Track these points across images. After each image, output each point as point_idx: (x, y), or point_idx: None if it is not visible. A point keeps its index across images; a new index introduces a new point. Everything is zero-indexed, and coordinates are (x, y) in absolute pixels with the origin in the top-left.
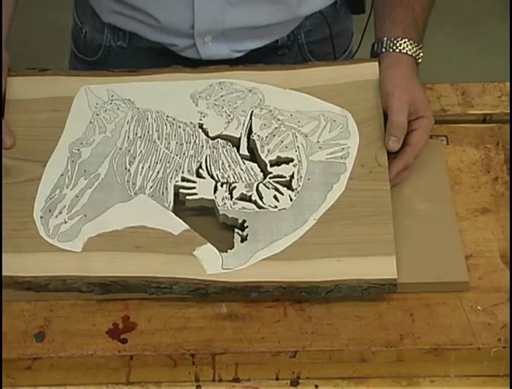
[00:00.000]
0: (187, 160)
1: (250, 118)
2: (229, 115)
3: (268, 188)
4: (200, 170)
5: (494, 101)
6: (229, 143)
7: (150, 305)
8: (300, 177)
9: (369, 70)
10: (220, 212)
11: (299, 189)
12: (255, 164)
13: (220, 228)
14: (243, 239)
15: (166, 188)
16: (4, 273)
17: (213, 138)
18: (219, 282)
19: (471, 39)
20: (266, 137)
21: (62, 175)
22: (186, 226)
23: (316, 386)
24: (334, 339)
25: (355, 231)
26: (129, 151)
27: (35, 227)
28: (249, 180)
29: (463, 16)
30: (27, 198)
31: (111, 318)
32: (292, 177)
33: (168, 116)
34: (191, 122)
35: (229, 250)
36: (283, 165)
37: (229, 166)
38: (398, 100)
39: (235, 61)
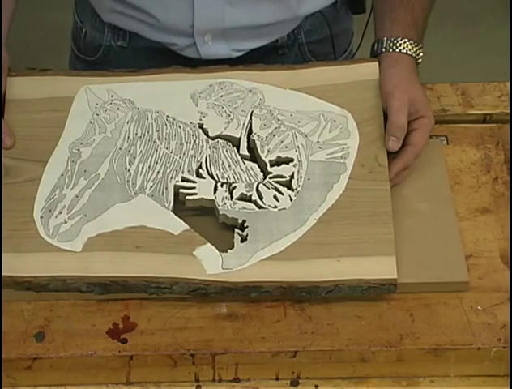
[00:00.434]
0: (187, 160)
1: (250, 118)
2: (229, 115)
3: (268, 188)
4: (200, 170)
5: (494, 101)
6: (229, 143)
7: (150, 305)
8: (300, 177)
9: (369, 70)
10: (220, 212)
11: (299, 189)
12: (255, 164)
13: (220, 228)
14: (243, 239)
15: (166, 188)
16: (4, 273)
17: (213, 138)
18: (219, 282)
19: (470, 39)
20: (266, 137)
21: (62, 175)
22: (186, 226)
23: (316, 386)
24: (334, 339)
25: (355, 231)
26: (129, 151)
27: (35, 227)
28: (249, 180)
29: (463, 16)
30: (27, 198)
31: (111, 318)
32: (292, 177)
33: (168, 116)
34: (191, 122)
35: (229, 250)
36: (283, 165)
37: (229, 166)
38: (398, 100)
39: (235, 61)
